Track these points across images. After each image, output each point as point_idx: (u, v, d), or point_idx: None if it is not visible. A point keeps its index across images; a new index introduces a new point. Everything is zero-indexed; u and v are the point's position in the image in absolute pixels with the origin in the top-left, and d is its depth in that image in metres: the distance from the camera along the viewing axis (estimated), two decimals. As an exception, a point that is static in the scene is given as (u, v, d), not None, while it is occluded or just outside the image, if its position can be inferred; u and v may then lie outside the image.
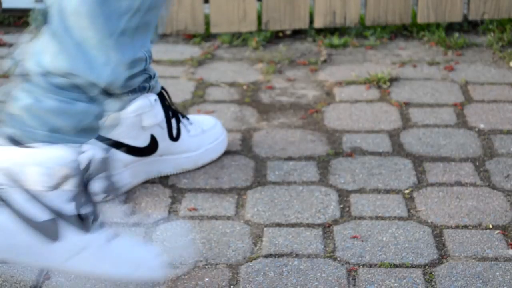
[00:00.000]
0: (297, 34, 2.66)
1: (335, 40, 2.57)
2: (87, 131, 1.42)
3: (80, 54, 1.38)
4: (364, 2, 2.62)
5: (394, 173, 1.88)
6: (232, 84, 2.33)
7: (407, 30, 2.66)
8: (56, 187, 1.39)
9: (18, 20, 2.74)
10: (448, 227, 1.69)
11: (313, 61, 2.47)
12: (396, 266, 1.57)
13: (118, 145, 1.77)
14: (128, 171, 1.80)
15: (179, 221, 1.71)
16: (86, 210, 1.42)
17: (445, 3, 2.59)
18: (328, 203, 1.77)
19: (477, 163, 1.92)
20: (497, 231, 1.67)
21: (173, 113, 1.87)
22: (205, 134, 1.92)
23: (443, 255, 1.60)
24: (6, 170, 1.39)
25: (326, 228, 1.69)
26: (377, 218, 1.72)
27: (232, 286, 1.53)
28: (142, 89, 1.80)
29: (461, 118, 2.12)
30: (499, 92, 2.26)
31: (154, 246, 1.56)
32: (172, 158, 1.87)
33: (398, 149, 1.98)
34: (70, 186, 1.39)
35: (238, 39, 2.61)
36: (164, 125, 1.84)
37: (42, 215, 1.38)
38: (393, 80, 2.33)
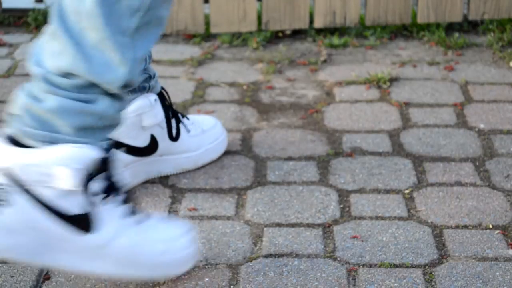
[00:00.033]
0: (297, 34, 2.66)
1: (335, 40, 2.57)
2: (87, 130, 1.42)
3: (80, 54, 1.39)
4: (364, 2, 2.62)
5: (394, 173, 1.88)
6: (232, 84, 2.33)
7: (407, 30, 2.66)
8: (57, 186, 1.40)
9: (18, 20, 2.74)
10: (448, 227, 1.69)
11: (313, 61, 2.47)
12: (396, 266, 1.57)
13: (118, 145, 1.78)
14: (128, 171, 1.80)
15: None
16: (86, 209, 1.42)
17: (445, 3, 2.59)
18: (328, 203, 1.77)
19: (477, 163, 1.92)
20: (497, 231, 1.67)
21: (173, 113, 1.87)
22: (205, 134, 1.92)
23: (443, 255, 1.60)
24: (6, 170, 1.40)
25: (326, 228, 1.69)
26: (377, 218, 1.72)
27: (232, 286, 1.53)
28: (142, 89, 1.80)
29: (461, 118, 2.12)
30: (499, 92, 2.26)
31: (184, 222, 1.57)
32: (172, 158, 1.87)
33: (398, 149, 1.98)
34: (71, 185, 1.40)
35: (238, 39, 2.61)
36: (164, 125, 1.84)
37: (73, 210, 1.41)
38: (393, 80, 2.33)
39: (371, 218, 1.72)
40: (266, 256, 1.60)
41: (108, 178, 1.45)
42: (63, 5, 1.39)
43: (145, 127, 1.81)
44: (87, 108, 1.41)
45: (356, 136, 2.04)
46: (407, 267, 1.57)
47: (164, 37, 2.61)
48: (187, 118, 1.92)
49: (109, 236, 1.45)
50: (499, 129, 2.06)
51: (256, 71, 2.41)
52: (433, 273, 1.55)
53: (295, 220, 1.71)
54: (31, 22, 2.69)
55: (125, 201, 1.48)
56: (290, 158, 1.95)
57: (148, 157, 1.83)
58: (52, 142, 1.40)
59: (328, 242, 1.65)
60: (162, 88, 1.86)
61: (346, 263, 1.58)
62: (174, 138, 1.86)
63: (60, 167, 1.38)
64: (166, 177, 1.87)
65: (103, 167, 1.43)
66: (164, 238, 1.50)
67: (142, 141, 1.82)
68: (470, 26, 2.69)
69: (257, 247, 1.63)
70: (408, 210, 1.75)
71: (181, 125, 1.89)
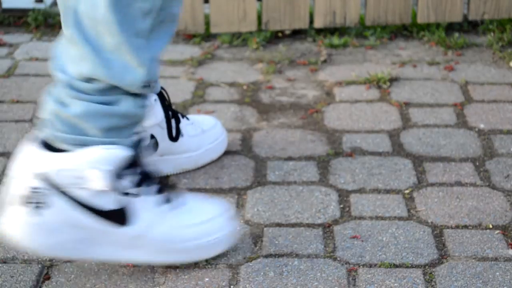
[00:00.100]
0: (297, 34, 2.66)
1: (335, 40, 2.57)
2: (114, 130, 1.49)
3: (99, 59, 1.45)
4: (364, 2, 2.62)
5: (394, 173, 1.88)
6: (232, 84, 2.33)
7: (407, 30, 2.66)
8: (91, 187, 1.47)
9: (18, 20, 2.74)
10: (448, 227, 1.69)
11: (313, 61, 2.47)
12: (396, 266, 1.57)
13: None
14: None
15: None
16: (121, 203, 1.50)
17: (445, 3, 2.59)
18: (328, 203, 1.77)
19: (477, 163, 1.92)
20: (497, 231, 1.67)
21: (173, 113, 1.87)
22: (205, 134, 1.92)
23: (443, 255, 1.60)
24: (43, 175, 1.47)
25: (326, 228, 1.69)
26: (377, 218, 1.72)
27: (232, 286, 1.53)
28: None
29: (461, 118, 2.12)
30: (499, 92, 2.26)
31: (221, 202, 1.64)
32: (172, 158, 1.87)
33: (398, 149, 1.98)
34: (103, 186, 1.47)
35: (238, 39, 2.61)
36: (164, 125, 1.84)
37: (108, 206, 1.48)
38: (393, 80, 2.33)
39: (371, 218, 1.72)
40: (266, 256, 1.60)
41: (140, 171, 1.51)
42: (78, 12, 1.44)
43: (145, 127, 1.81)
44: (111, 110, 1.48)
45: (356, 136, 2.04)
46: (407, 267, 1.57)
47: (164, 37, 2.61)
48: (187, 118, 1.92)
49: (144, 226, 1.51)
50: (499, 129, 2.06)
51: (256, 71, 2.41)
52: (433, 273, 1.55)
53: (295, 220, 1.71)
54: (31, 22, 2.69)
55: (159, 190, 1.54)
56: (290, 158, 1.95)
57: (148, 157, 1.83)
58: (82, 144, 1.48)
59: (328, 242, 1.65)
60: (162, 88, 1.86)
61: (346, 263, 1.58)
62: (174, 138, 1.86)
63: (92, 170, 1.46)
64: (166, 177, 1.87)
65: (133, 162, 1.50)
66: (198, 222, 1.56)
67: (142, 141, 1.82)
68: (470, 26, 2.69)
69: (257, 247, 1.63)
70: (408, 210, 1.75)
71: (181, 125, 1.89)
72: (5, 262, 1.58)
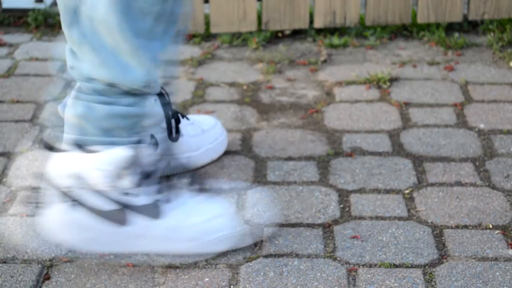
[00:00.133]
0: (297, 34, 2.66)
1: (335, 40, 2.57)
2: (114, 131, 1.50)
3: (98, 59, 1.47)
4: (364, 2, 2.61)
5: (394, 173, 1.88)
6: (232, 84, 2.33)
7: (407, 30, 2.66)
8: (118, 184, 1.51)
9: (18, 20, 2.74)
10: (448, 227, 1.69)
11: (313, 61, 2.47)
12: (396, 266, 1.57)
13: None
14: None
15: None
16: (149, 199, 1.53)
17: (445, 3, 2.59)
18: (328, 203, 1.77)
19: (477, 163, 1.92)
20: (497, 231, 1.67)
21: (173, 113, 1.87)
22: (205, 134, 1.92)
23: (443, 255, 1.60)
24: (74, 174, 1.50)
25: (326, 228, 1.69)
26: (377, 218, 1.72)
27: (232, 286, 1.53)
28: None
29: (461, 118, 2.12)
30: (499, 92, 2.26)
31: (221, 201, 1.68)
32: (172, 158, 1.87)
33: (398, 149, 1.98)
34: (129, 182, 1.51)
35: (238, 39, 2.61)
36: (164, 125, 1.84)
37: (108, 206, 1.51)
38: (393, 80, 2.33)
39: (371, 218, 1.72)
40: (266, 256, 1.60)
41: (140, 171, 1.53)
42: (78, 12, 1.44)
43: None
44: (111, 110, 1.49)
45: (356, 136, 2.04)
46: (407, 267, 1.57)
47: (164, 37, 2.61)
48: (187, 118, 1.92)
49: (144, 226, 1.54)
50: (499, 129, 2.06)
51: (256, 71, 2.41)
52: (433, 273, 1.55)
53: (295, 220, 1.71)
54: (31, 22, 2.69)
55: (160, 190, 1.56)
56: (290, 158, 1.95)
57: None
58: (109, 144, 1.51)
59: (328, 242, 1.65)
60: (162, 88, 1.85)
61: (346, 263, 1.58)
62: (174, 138, 1.86)
63: (119, 167, 1.50)
64: (167, 177, 1.87)
65: (133, 162, 1.52)
66: (199, 221, 1.57)
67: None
68: (470, 26, 2.69)
69: (257, 247, 1.63)
70: (408, 210, 1.75)
71: (181, 125, 1.88)
72: (5, 262, 1.58)
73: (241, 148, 1.99)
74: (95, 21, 1.42)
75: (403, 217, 1.72)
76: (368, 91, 2.27)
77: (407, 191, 1.81)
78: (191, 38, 2.63)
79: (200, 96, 2.25)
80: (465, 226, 1.69)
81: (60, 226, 1.55)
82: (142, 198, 1.53)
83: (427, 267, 1.57)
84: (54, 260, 1.59)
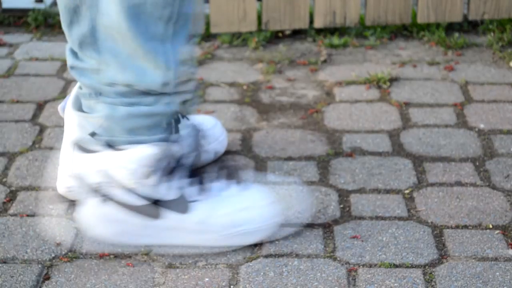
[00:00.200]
0: (297, 34, 2.66)
1: (335, 40, 2.57)
2: (140, 130, 1.55)
3: (116, 63, 1.50)
4: (364, 2, 2.61)
5: (394, 173, 1.88)
6: (232, 84, 2.33)
7: (407, 30, 2.66)
8: (144, 181, 1.54)
9: (18, 20, 2.74)
10: (448, 227, 1.69)
11: (313, 61, 2.47)
12: (396, 266, 1.57)
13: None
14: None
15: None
16: (177, 193, 1.57)
17: (445, 3, 2.59)
18: (328, 203, 1.77)
19: (477, 163, 1.92)
20: (497, 231, 1.67)
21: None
22: (205, 134, 1.92)
23: (443, 255, 1.60)
24: (103, 172, 1.55)
25: (326, 228, 1.69)
26: (377, 218, 1.72)
27: (232, 286, 1.53)
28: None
29: (461, 118, 2.12)
30: (499, 92, 2.26)
31: (261, 187, 1.69)
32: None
33: (398, 149, 1.98)
34: (155, 178, 1.55)
35: (238, 39, 2.61)
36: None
37: (139, 202, 1.56)
38: (393, 80, 2.33)
39: (371, 218, 1.72)
40: (266, 256, 1.60)
41: (170, 166, 1.57)
42: (79, 13, 1.46)
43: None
44: (135, 111, 1.53)
45: (356, 136, 2.04)
46: (407, 267, 1.57)
47: (164, 37, 2.61)
48: (187, 118, 1.92)
49: (177, 219, 1.58)
50: (499, 129, 2.06)
51: (256, 71, 2.41)
52: (433, 273, 1.55)
53: (295, 220, 1.71)
54: (31, 22, 2.69)
55: (193, 182, 1.60)
56: (290, 158, 1.95)
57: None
58: (136, 142, 1.55)
59: (328, 242, 1.65)
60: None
61: (346, 263, 1.58)
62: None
63: (145, 164, 1.54)
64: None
65: (162, 158, 1.55)
66: (232, 210, 1.60)
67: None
68: (470, 26, 2.69)
69: (257, 247, 1.63)
70: (408, 210, 1.75)
71: (180, 126, 1.88)
72: (5, 262, 1.58)
73: (241, 148, 1.99)
74: (109, 28, 1.45)
75: (403, 217, 1.72)
76: (368, 91, 2.27)
77: (407, 191, 1.81)
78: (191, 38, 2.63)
79: (200, 96, 2.25)
80: (465, 226, 1.69)
81: (93, 220, 1.59)
82: (169, 193, 1.57)
83: (427, 267, 1.57)
84: (54, 260, 1.59)
